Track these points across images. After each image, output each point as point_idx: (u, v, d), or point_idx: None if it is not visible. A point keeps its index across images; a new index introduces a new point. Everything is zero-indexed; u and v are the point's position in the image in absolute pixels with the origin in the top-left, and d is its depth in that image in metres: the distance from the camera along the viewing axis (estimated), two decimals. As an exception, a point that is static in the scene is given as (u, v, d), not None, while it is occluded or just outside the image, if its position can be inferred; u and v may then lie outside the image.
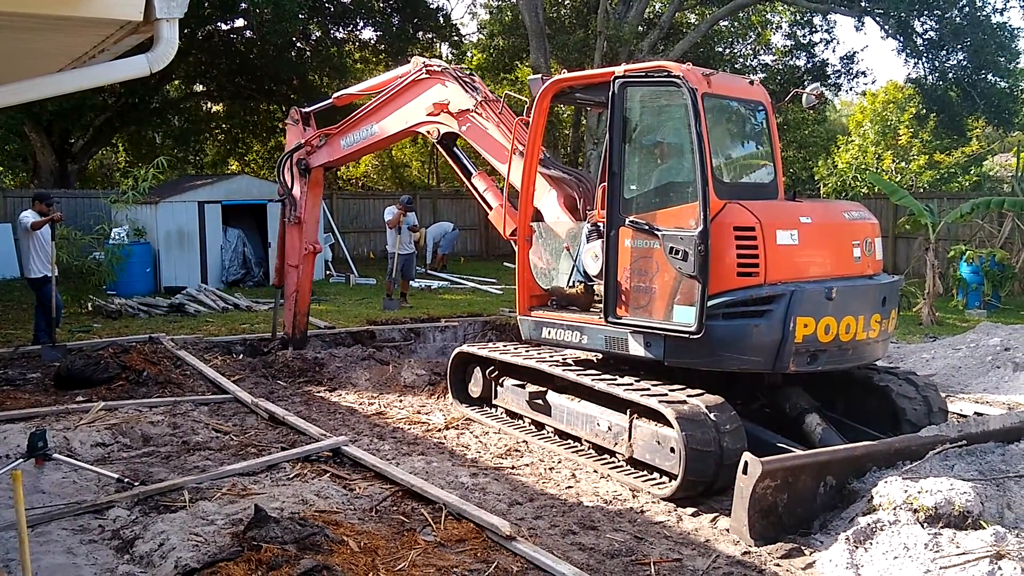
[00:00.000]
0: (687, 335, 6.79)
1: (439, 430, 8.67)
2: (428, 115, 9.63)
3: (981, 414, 8.12)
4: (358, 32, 28.10)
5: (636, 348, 7.34)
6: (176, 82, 27.71)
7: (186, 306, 15.60)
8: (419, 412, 9.36)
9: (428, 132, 9.88)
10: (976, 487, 5.53)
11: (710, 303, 6.68)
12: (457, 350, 9.52)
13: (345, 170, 34.51)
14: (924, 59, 23.97)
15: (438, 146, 9.95)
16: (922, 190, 25.25)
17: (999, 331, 11.97)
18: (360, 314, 15.00)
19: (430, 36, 28.55)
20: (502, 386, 8.86)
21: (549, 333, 8.28)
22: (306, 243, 11.52)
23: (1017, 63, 23.46)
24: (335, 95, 11.85)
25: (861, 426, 7.37)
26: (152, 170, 17.17)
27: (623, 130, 7.43)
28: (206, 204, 19.17)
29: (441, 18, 27.94)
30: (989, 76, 23.06)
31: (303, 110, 11.69)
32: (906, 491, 5.53)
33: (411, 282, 17.33)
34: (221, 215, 19.39)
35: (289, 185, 11.38)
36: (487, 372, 9.01)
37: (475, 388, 9.27)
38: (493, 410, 9.06)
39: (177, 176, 27.53)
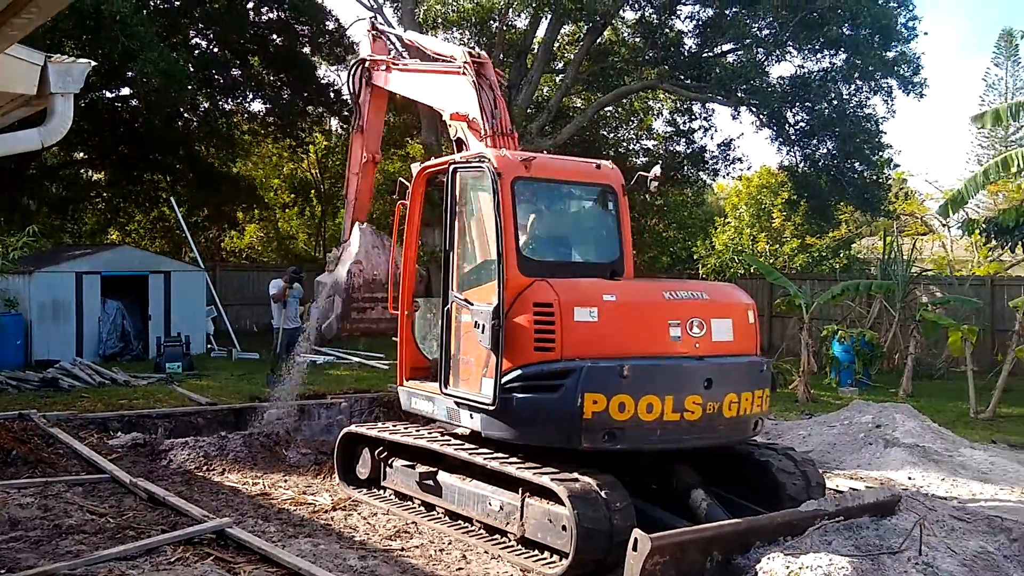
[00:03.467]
0: (488, 407, 7.23)
1: (326, 511, 8.49)
2: (450, 117, 9.38)
3: (856, 489, 8.45)
4: (247, 104, 27.98)
5: (466, 419, 7.75)
6: (55, 148, 26.95)
7: (60, 381, 14.94)
8: (305, 492, 9.15)
9: (449, 125, 9.67)
10: (853, 562, 5.74)
11: (510, 376, 7.09)
12: (345, 430, 9.40)
13: (228, 241, 33.97)
14: (796, 147, 25.30)
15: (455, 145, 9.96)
16: (795, 272, 26.41)
17: (871, 408, 12.51)
18: (243, 390, 14.66)
19: (321, 110, 28.62)
20: (391, 467, 8.76)
21: (415, 403, 8.69)
22: (366, 152, 11.32)
23: (882, 153, 24.93)
24: (406, 34, 12.09)
25: (744, 501, 7.56)
26: (24, 238, 16.53)
27: (453, 212, 8.06)
28: (84, 275, 18.52)
29: (332, 93, 28.07)
30: (856, 165, 24.45)
31: (379, 27, 11.68)
32: (788, 567, 5.71)
33: (297, 357, 17.02)
34: (100, 286, 18.75)
35: (357, 92, 11.27)
36: (375, 453, 8.91)
37: (363, 469, 9.12)
38: (382, 491, 8.92)
39: (54, 245, 26.55)
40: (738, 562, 6.13)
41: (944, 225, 30.17)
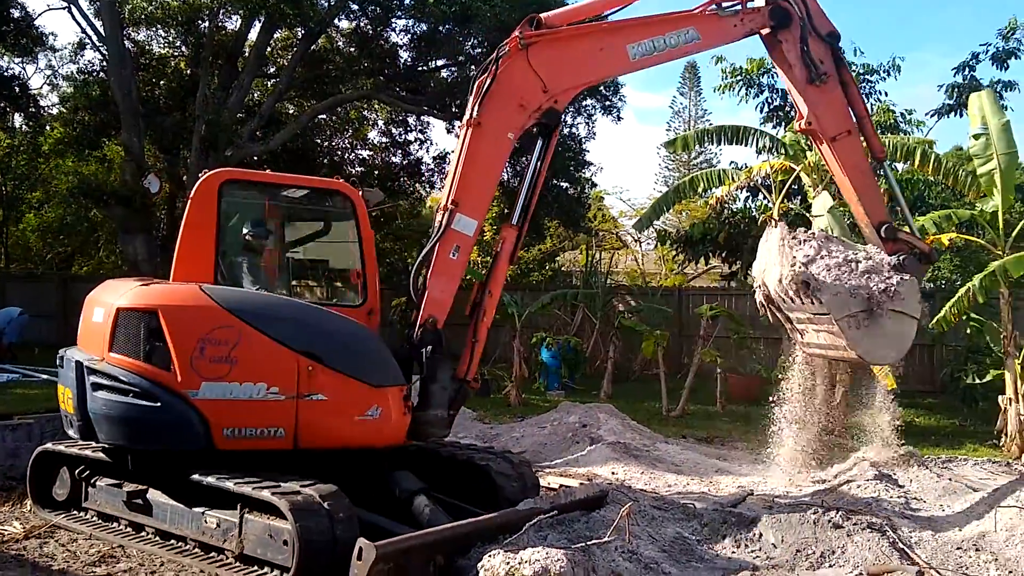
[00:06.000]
0: None
1: (17, 540, 7.72)
2: None
3: (567, 487, 8.92)
4: (-92, 96, 24.94)
5: None
6: None
7: None
8: (-10, 523, 8.29)
9: None
10: (567, 553, 6.05)
11: None
12: (40, 448, 8.61)
13: None
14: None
15: None
16: (505, 283, 27.40)
17: (577, 409, 13.26)
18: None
19: (2, 105, 26.05)
20: (94, 486, 8.12)
21: None
22: None
23: (584, 171, 26.48)
24: None
25: (466, 504, 7.75)
26: None
27: None
28: None
29: (17, 87, 25.63)
30: (561, 182, 25.77)
31: None
32: (508, 563, 5.90)
33: (-24, 375, 15.43)
34: None
35: None
36: (76, 472, 8.23)
37: (61, 491, 8.37)
38: (83, 514, 8.24)
39: None
40: (460, 563, 6.27)
41: (636, 240, 32.56)
